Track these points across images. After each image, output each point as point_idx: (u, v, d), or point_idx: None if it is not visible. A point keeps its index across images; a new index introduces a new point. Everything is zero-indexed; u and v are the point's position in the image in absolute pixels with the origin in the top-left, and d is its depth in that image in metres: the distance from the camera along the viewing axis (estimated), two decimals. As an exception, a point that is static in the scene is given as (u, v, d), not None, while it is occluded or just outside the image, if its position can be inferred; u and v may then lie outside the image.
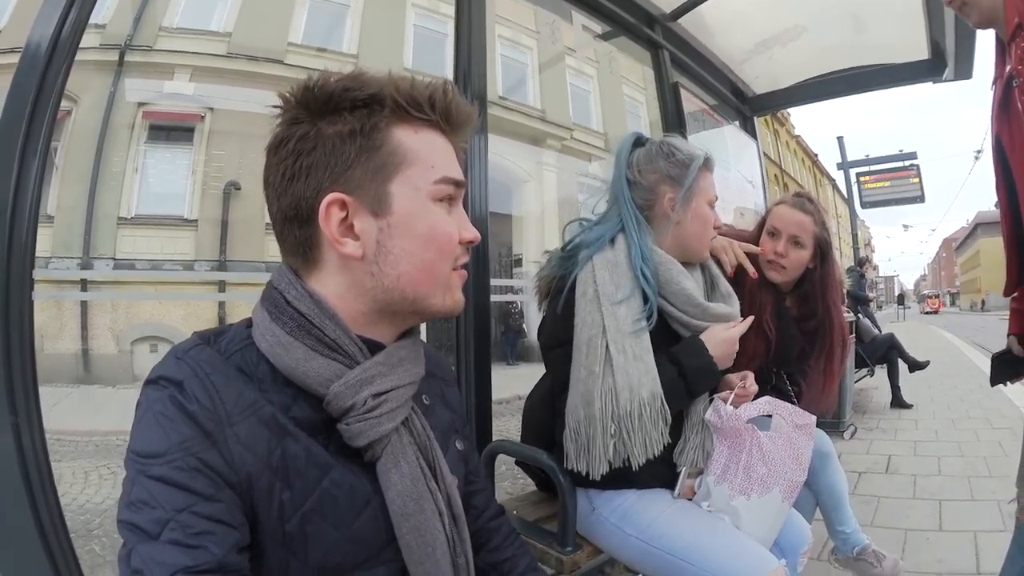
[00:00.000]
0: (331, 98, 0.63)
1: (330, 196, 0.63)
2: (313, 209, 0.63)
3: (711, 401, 1.32)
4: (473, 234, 0.71)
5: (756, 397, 1.33)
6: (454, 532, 0.69)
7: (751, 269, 1.62)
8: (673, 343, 1.31)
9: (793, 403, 1.64)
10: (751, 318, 1.35)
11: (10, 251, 1.25)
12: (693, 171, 1.31)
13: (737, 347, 1.29)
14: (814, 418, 1.33)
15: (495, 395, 1.97)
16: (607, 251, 1.31)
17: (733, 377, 1.34)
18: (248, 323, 0.67)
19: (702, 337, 1.28)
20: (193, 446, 0.56)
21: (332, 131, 0.63)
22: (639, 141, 1.40)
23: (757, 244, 1.71)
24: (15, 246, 1.26)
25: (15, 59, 1.35)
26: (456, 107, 0.68)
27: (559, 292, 1.32)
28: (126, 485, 0.56)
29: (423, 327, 0.80)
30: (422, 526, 0.66)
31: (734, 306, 1.39)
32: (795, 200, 1.74)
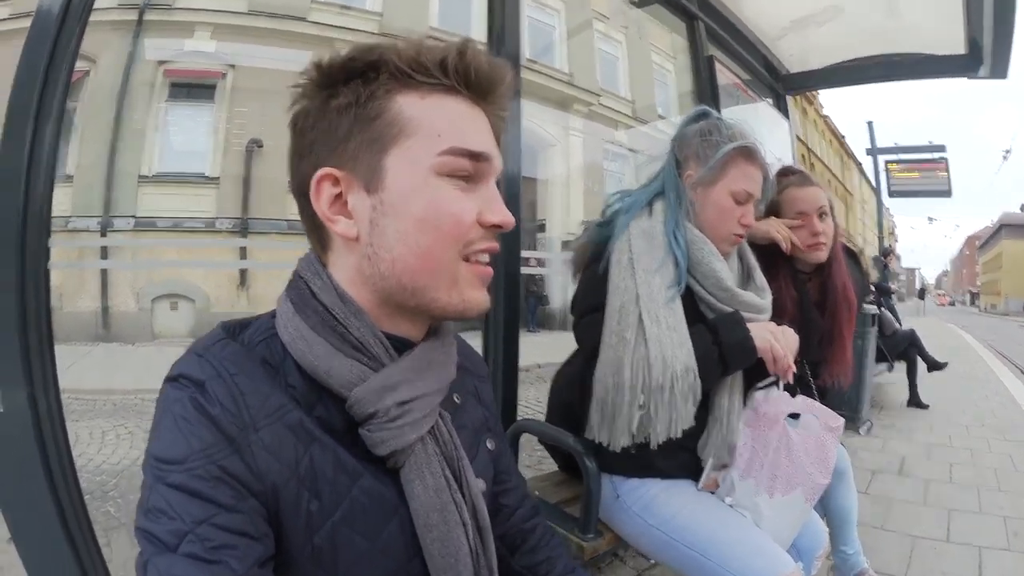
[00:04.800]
0: (335, 71, 0.59)
1: (320, 171, 0.59)
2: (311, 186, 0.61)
3: (746, 398, 1.29)
4: (501, 217, 0.62)
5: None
6: (478, 543, 0.66)
7: (792, 243, 1.58)
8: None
9: (814, 395, 1.60)
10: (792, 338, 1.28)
11: (25, 221, 1.24)
12: (720, 155, 1.26)
13: (774, 352, 1.23)
14: (843, 421, 1.30)
15: (514, 363, 1.95)
16: (644, 219, 1.30)
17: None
18: (273, 313, 0.64)
19: (752, 324, 1.24)
20: (215, 453, 0.52)
21: (334, 104, 0.59)
22: (702, 115, 1.37)
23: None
24: (31, 215, 1.25)
25: (27, 23, 1.33)
26: (477, 67, 0.60)
27: (595, 259, 1.31)
28: (144, 490, 0.53)
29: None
30: (446, 537, 0.62)
31: (766, 299, 1.35)
32: (798, 178, 1.70)
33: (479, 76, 0.60)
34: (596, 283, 1.28)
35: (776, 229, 1.57)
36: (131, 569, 0.51)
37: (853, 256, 1.83)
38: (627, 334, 1.19)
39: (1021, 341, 13.97)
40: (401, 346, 0.63)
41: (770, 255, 1.60)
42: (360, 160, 0.59)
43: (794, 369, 1.24)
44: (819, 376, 1.69)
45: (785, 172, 1.74)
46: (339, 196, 0.60)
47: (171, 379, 0.56)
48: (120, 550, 1.34)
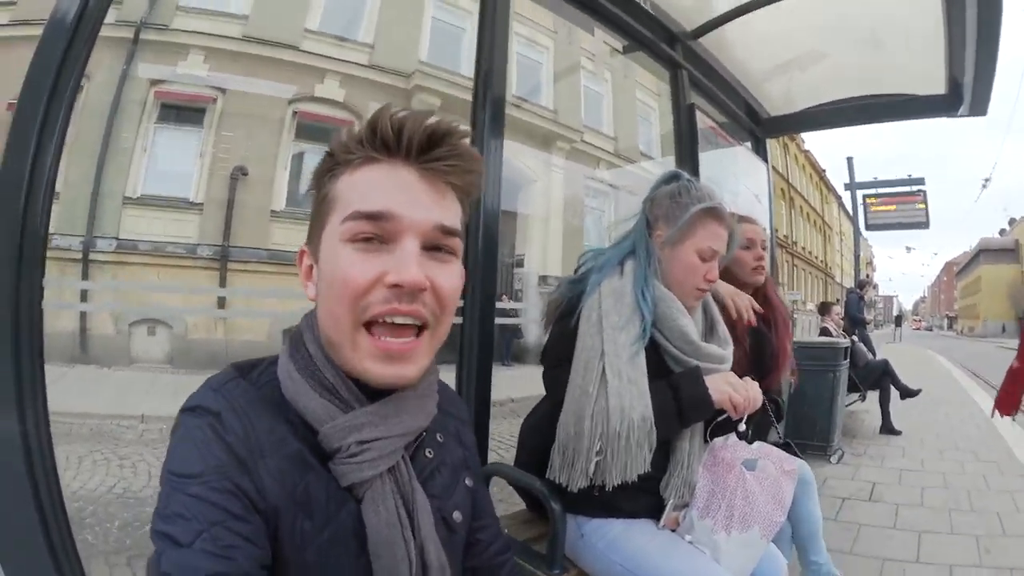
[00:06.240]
0: (317, 170, 0.71)
1: (300, 247, 0.73)
2: None
3: (709, 441, 1.37)
4: (398, 276, 0.63)
5: None
6: None
7: (752, 319, 1.71)
8: (664, 376, 1.35)
9: (771, 420, 1.77)
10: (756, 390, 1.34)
11: (23, 238, 1.24)
12: (687, 216, 1.35)
13: (732, 401, 1.28)
14: (799, 463, 1.42)
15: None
16: (615, 278, 1.37)
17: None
18: (276, 359, 0.73)
19: (710, 377, 1.30)
20: (229, 471, 0.60)
21: (313, 196, 0.71)
22: (673, 177, 1.45)
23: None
24: (28, 233, 1.25)
25: (28, 31, 1.32)
26: (384, 130, 0.65)
27: (566, 315, 1.38)
28: (161, 500, 0.59)
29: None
30: (391, 568, 0.67)
31: (727, 349, 1.43)
32: (740, 215, 1.95)
33: (387, 138, 0.64)
34: (566, 338, 1.35)
35: (731, 298, 1.70)
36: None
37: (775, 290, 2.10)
38: (590, 388, 1.27)
39: (996, 362, 14.18)
40: (379, 393, 0.69)
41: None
42: (314, 237, 0.70)
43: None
44: (769, 385, 1.79)
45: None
46: (311, 267, 0.71)
47: (188, 409, 0.64)
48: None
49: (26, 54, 1.31)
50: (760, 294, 1.91)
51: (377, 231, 0.64)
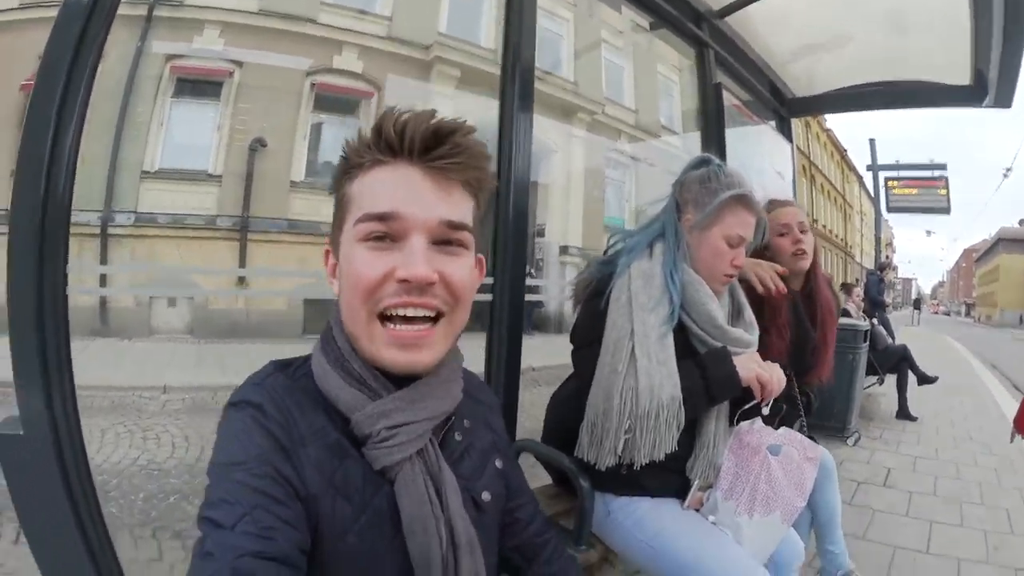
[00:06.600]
0: (334, 173, 0.74)
1: (324, 247, 0.77)
2: None
3: (735, 425, 1.38)
4: (407, 272, 0.66)
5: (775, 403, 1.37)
6: (451, 557, 0.72)
7: (781, 286, 1.66)
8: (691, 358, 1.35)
9: (800, 413, 1.78)
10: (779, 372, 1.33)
11: (45, 215, 1.24)
12: (716, 202, 1.35)
13: (760, 379, 1.29)
14: (821, 451, 1.44)
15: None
16: (644, 260, 1.38)
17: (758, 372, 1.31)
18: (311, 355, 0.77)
19: (738, 357, 1.31)
20: (270, 457, 0.63)
21: (334, 197, 0.75)
22: (703, 162, 1.44)
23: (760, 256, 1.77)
24: (51, 208, 1.24)
25: (39, 13, 1.29)
26: (388, 134, 0.68)
27: (595, 295, 1.39)
28: (207, 491, 0.62)
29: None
30: (424, 545, 0.70)
31: (753, 334, 1.44)
32: (776, 200, 1.91)
33: (391, 140, 0.68)
34: (595, 318, 1.36)
35: (753, 271, 1.67)
36: (135, 571, 0.59)
37: (827, 281, 2.01)
38: (619, 367, 1.28)
39: (1012, 353, 14.05)
40: (405, 380, 0.73)
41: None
42: (335, 237, 0.74)
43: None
44: (805, 382, 1.84)
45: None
46: (335, 264, 0.75)
47: (233, 404, 0.68)
48: (123, 551, 1.39)
49: (37, 37, 1.29)
50: (808, 284, 1.85)
51: (387, 230, 0.68)
